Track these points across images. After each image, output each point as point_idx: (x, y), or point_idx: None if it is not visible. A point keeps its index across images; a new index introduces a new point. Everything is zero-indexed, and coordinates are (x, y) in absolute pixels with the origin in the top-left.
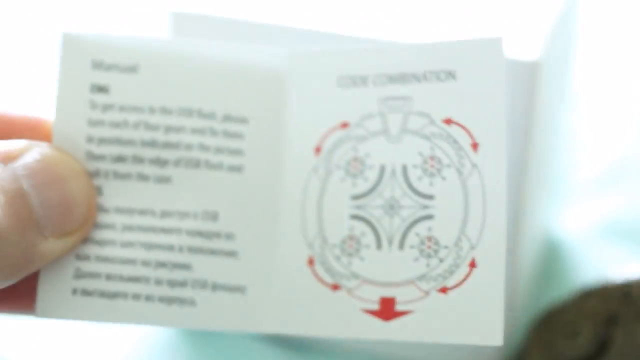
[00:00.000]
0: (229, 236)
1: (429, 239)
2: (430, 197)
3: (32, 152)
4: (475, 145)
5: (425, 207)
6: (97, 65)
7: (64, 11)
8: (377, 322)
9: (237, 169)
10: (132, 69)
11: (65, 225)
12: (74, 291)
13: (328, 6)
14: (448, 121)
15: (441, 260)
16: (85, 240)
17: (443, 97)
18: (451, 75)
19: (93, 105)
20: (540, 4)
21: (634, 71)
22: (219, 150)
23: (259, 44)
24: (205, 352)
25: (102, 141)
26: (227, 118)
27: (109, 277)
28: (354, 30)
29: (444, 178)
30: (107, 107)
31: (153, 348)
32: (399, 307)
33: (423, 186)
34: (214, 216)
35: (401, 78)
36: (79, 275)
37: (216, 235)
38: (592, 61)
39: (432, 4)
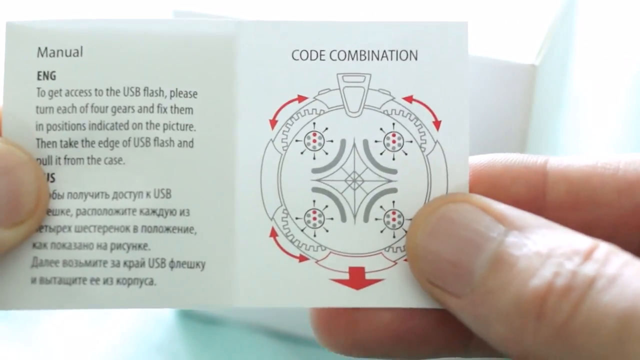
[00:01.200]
0: (184, 212)
1: (394, 211)
2: (393, 171)
3: None
4: (437, 123)
5: (389, 180)
6: (43, 52)
7: (64, 12)
8: (348, 290)
9: (187, 144)
10: (76, 53)
11: (14, 215)
12: (33, 280)
13: (330, 7)
14: (409, 99)
15: (407, 232)
16: (41, 228)
17: (404, 75)
18: (413, 54)
19: (40, 93)
20: (537, 7)
21: (632, 73)
22: (168, 126)
23: None
24: (205, 347)
25: (52, 127)
26: (175, 93)
27: (66, 263)
28: None
29: (406, 153)
30: (54, 93)
31: (151, 343)
32: (368, 276)
33: (385, 160)
34: (167, 193)
35: (360, 55)
36: (37, 263)
37: (171, 212)
38: (589, 63)
39: (432, 6)
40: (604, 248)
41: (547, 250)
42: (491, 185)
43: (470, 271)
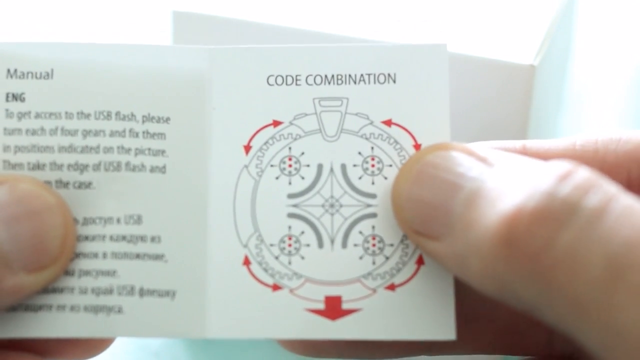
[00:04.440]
0: (155, 239)
1: (373, 237)
2: (372, 195)
3: (3, 186)
4: (417, 147)
5: (368, 205)
6: (12, 73)
7: (63, 11)
8: (324, 321)
9: (160, 169)
10: (46, 75)
11: (36, 260)
12: None
13: (328, 6)
14: (388, 122)
15: (387, 258)
16: None
17: (382, 99)
18: (391, 77)
19: (9, 114)
20: (536, 7)
21: (631, 73)
22: (140, 151)
23: (259, 44)
24: (204, 351)
25: (19, 149)
26: (148, 118)
27: None
28: (353, 31)
29: (385, 177)
30: (23, 115)
31: (150, 349)
32: (345, 306)
33: (364, 185)
34: (137, 219)
35: (336, 79)
36: None
37: (141, 238)
38: (588, 64)
39: (429, 6)
40: (585, 171)
41: (519, 174)
42: None
43: (450, 212)
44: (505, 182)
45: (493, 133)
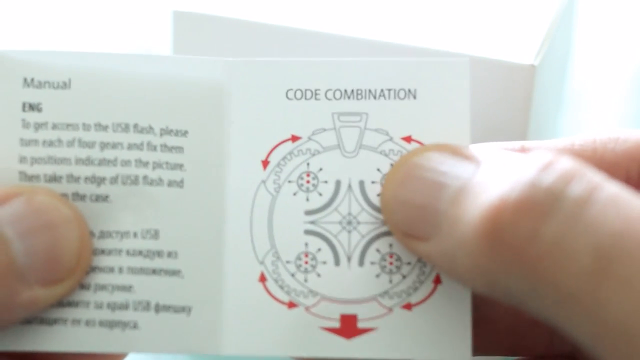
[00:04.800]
0: (172, 254)
1: (391, 255)
2: None
3: (20, 198)
4: None
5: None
6: (29, 82)
7: (62, 11)
8: (339, 340)
9: (177, 184)
10: (64, 85)
11: (51, 273)
12: None
13: (328, 7)
14: (408, 139)
15: (404, 277)
16: None
17: (402, 114)
18: (411, 93)
19: (25, 125)
20: (537, 7)
21: (632, 73)
22: (157, 165)
23: (259, 43)
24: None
25: (36, 161)
26: (166, 131)
27: None
28: (354, 31)
29: None
30: (39, 126)
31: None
32: (361, 325)
33: None
34: (154, 234)
35: (356, 94)
36: None
37: (157, 254)
38: (589, 63)
39: (430, 6)
40: (567, 160)
41: (503, 168)
42: None
43: (436, 211)
44: (490, 177)
45: (493, 133)
